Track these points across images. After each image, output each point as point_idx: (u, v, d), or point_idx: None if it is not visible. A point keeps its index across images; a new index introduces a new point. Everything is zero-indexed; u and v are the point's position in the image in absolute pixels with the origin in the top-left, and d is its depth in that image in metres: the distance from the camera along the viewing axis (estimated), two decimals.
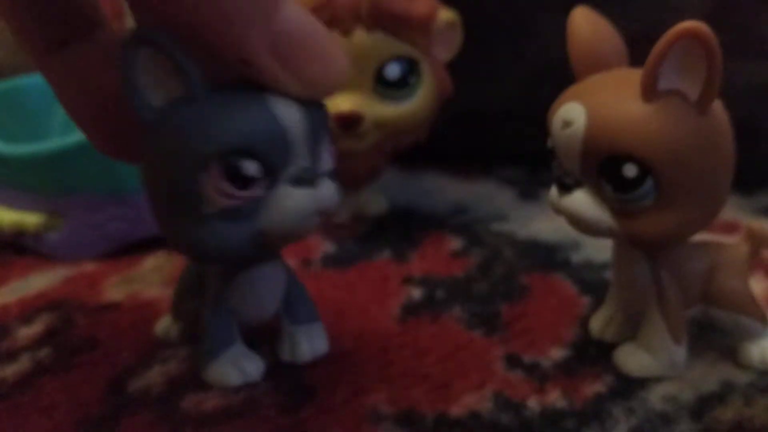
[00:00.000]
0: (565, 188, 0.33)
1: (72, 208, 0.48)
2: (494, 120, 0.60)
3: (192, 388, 0.35)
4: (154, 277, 0.46)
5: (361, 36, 0.45)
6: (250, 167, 0.28)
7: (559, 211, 0.34)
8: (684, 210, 0.32)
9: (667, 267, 0.34)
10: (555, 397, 0.34)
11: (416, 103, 0.48)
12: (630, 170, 0.31)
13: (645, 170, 0.31)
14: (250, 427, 0.32)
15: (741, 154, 0.33)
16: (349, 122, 0.46)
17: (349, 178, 0.51)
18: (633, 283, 0.35)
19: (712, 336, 0.37)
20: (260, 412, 0.33)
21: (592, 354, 0.37)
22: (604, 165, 0.31)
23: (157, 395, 0.34)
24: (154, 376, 0.36)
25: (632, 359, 0.35)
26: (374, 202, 0.54)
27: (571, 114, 0.32)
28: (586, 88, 0.33)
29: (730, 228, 0.49)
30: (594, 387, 0.35)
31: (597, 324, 0.38)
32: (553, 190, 0.34)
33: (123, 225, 0.48)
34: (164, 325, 0.39)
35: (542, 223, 0.52)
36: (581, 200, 0.32)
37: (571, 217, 0.33)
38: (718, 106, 0.32)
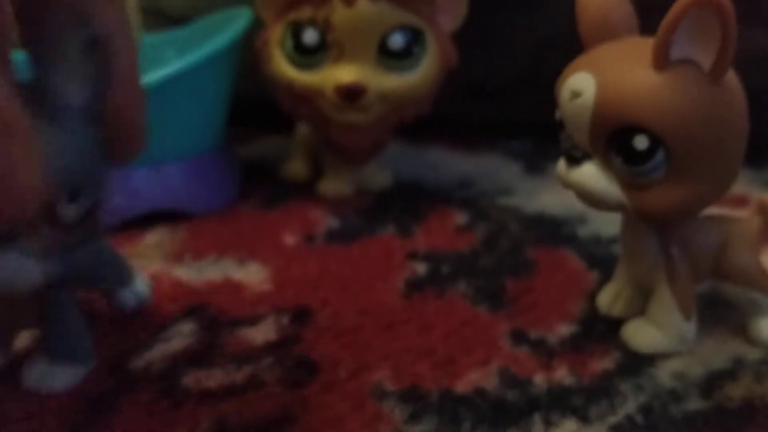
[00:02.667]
0: (574, 161, 0.32)
1: None
2: (500, 92, 0.59)
3: (194, 366, 0.34)
4: (155, 252, 0.45)
5: (364, 5, 0.45)
6: None
7: (567, 184, 0.33)
8: (696, 183, 0.31)
9: (677, 241, 0.34)
10: (562, 374, 0.34)
11: (420, 74, 0.47)
12: (641, 142, 0.30)
13: (656, 142, 0.30)
14: (253, 404, 0.32)
15: (752, 126, 0.32)
16: (353, 94, 0.45)
17: (352, 151, 0.51)
18: (642, 257, 0.35)
19: (722, 311, 0.37)
20: (263, 389, 0.33)
21: (600, 330, 0.37)
22: (614, 137, 0.31)
23: (158, 373, 0.34)
24: (155, 354, 0.35)
25: (641, 335, 0.35)
26: (378, 176, 0.54)
27: (580, 84, 0.31)
28: (596, 58, 0.32)
29: (740, 202, 0.49)
30: (602, 363, 0.34)
31: (605, 299, 0.38)
32: (561, 163, 0.33)
33: (123, 200, 0.48)
34: None
35: (549, 196, 0.51)
36: (590, 173, 0.32)
37: (579, 190, 0.32)
38: (731, 76, 0.31)
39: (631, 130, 0.30)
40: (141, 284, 0.38)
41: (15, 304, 0.32)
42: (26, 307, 0.32)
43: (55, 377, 0.33)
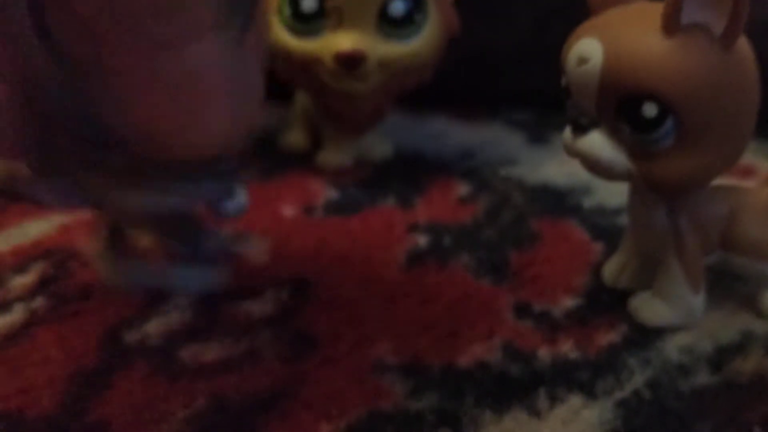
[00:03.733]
0: (580, 129, 0.31)
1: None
2: (503, 60, 0.58)
3: (191, 340, 0.34)
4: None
5: None
6: None
7: (573, 153, 0.32)
8: (705, 152, 0.30)
9: (686, 212, 0.33)
10: (567, 348, 0.33)
11: (422, 42, 0.46)
12: (650, 110, 0.29)
13: (665, 110, 0.29)
14: (251, 378, 0.32)
15: (761, 94, 0.31)
16: (352, 62, 0.44)
17: (351, 121, 0.50)
18: (649, 228, 0.34)
19: (731, 284, 0.36)
20: (261, 364, 0.32)
21: (606, 302, 0.36)
22: (623, 104, 0.30)
23: (154, 346, 0.34)
24: (151, 327, 0.35)
25: (648, 308, 0.34)
26: (378, 146, 0.53)
27: (587, 50, 0.30)
28: (604, 23, 0.31)
29: (747, 172, 0.48)
30: (608, 337, 0.34)
31: (610, 271, 0.37)
32: (567, 132, 0.32)
33: None
34: None
35: (552, 167, 0.51)
36: (597, 141, 0.31)
37: (586, 159, 0.32)
38: (743, 42, 0.30)
39: (639, 97, 0.29)
40: (242, 195, 0.38)
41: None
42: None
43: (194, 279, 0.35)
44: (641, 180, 0.31)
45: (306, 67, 0.46)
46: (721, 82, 0.29)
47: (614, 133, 0.31)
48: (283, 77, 0.49)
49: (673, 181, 0.31)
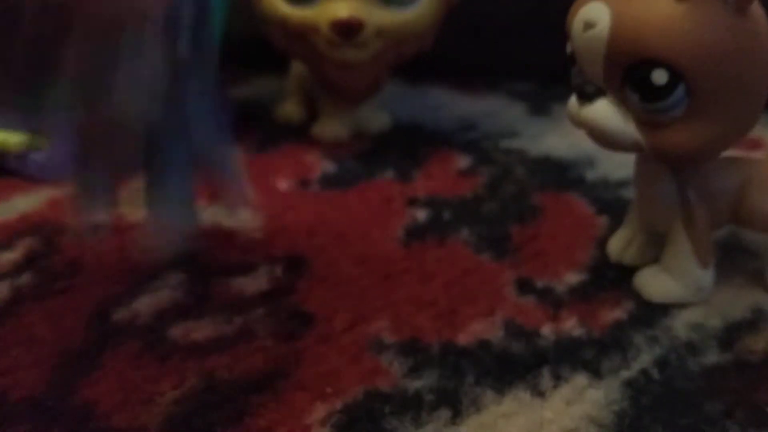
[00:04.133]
0: (586, 97, 0.30)
1: (56, 127, 0.46)
2: (504, 30, 0.57)
3: (181, 317, 0.33)
4: (140, 199, 0.43)
5: None
6: None
7: (578, 123, 0.31)
8: (717, 121, 0.29)
9: (695, 184, 0.32)
10: (571, 325, 0.32)
11: (421, 9, 0.45)
12: (660, 76, 0.28)
13: (676, 77, 0.28)
14: (244, 358, 0.31)
15: None
16: (349, 29, 0.43)
17: (348, 91, 0.49)
18: (657, 201, 0.33)
19: (740, 259, 0.35)
20: (254, 342, 0.32)
21: (611, 278, 0.35)
22: (631, 71, 0.28)
23: (144, 324, 0.33)
24: (141, 304, 0.34)
25: (655, 284, 0.33)
26: (376, 118, 0.52)
27: (594, 14, 0.29)
28: None
29: (755, 144, 0.47)
30: (613, 314, 0.33)
31: (615, 246, 0.36)
32: (572, 101, 0.31)
33: None
34: None
35: (555, 139, 0.50)
36: (604, 110, 0.30)
37: (592, 129, 0.30)
38: (756, 7, 0.29)
39: (649, 63, 0.28)
40: None
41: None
42: None
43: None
44: (649, 151, 0.30)
45: (302, 35, 0.45)
46: (734, 48, 0.28)
47: (622, 102, 0.30)
48: (279, 46, 0.48)
49: (683, 152, 0.30)
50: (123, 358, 0.31)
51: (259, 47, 0.51)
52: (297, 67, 0.53)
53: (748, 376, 0.29)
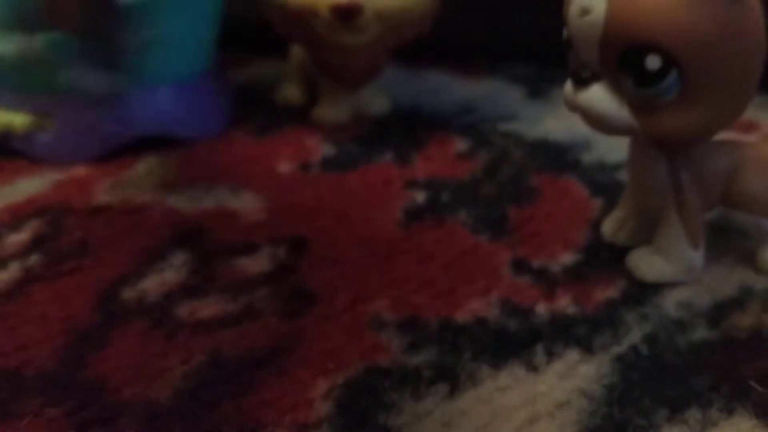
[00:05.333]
0: (582, 82, 0.31)
1: (61, 107, 0.46)
2: (502, 13, 0.57)
3: (187, 296, 0.34)
4: (146, 181, 0.44)
5: None
6: None
7: (574, 107, 0.31)
8: (710, 106, 0.30)
9: (687, 167, 0.33)
10: (565, 303, 0.33)
11: None
12: (653, 62, 0.28)
13: (669, 62, 0.28)
14: (249, 335, 0.31)
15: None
16: (348, 13, 0.43)
17: (348, 75, 0.49)
18: (650, 184, 0.34)
19: (730, 240, 0.36)
20: (259, 319, 0.32)
21: (604, 258, 0.36)
22: (625, 56, 0.29)
23: (151, 303, 0.33)
24: (148, 284, 0.34)
25: (647, 264, 0.34)
26: (375, 101, 0.52)
27: (589, 0, 0.29)
28: None
29: (748, 127, 0.47)
30: (606, 292, 0.33)
31: (609, 227, 0.37)
32: (568, 85, 0.32)
33: (113, 125, 0.46)
34: None
35: (552, 122, 0.50)
36: (599, 95, 0.30)
37: (587, 113, 0.31)
38: None
39: (642, 49, 0.28)
40: None
41: None
42: None
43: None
44: (643, 134, 0.31)
45: (301, 19, 0.45)
46: (727, 34, 0.28)
47: (616, 87, 0.30)
48: (279, 30, 0.48)
49: (676, 135, 0.30)
50: (132, 335, 0.31)
51: (259, 31, 0.51)
52: (297, 51, 0.53)
53: (734, 351, 0.30)
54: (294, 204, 0.41)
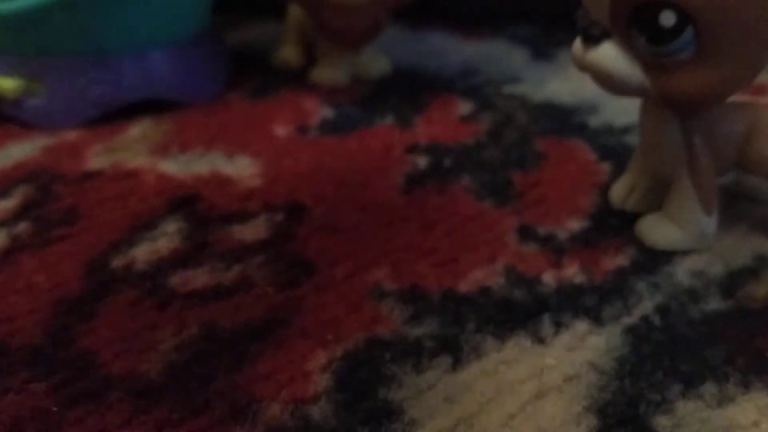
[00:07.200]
0: (592, 40, 0.29)
1: (52, 71, 0.45)
2: None
3: (180, 265, 0.33)
4: (139, 145, 0.43)
5: None
6: None
7: (583, 66, 0.30)
8: (725, 65, 0.28)
9: (701, 130, 0.31)
10: (573, 272, 0.32)
11: None
12: (667, 18, 0.27)
13: (684, 18, 0.27)
14: (243, 305, 0.30)
15: None
16: None
17: (347, 35, 0.48)
18: (661, 147, 0.33)
19: (744, 206, 0.35)
20: (254, 289, 0.31)
21: (613, 225, 0.35)
22: (638, 12, 0.28)
23: (142, 272, 0.32)
24: (139, 252, 0.33)
25: (657, 231, 0.33)
26: (376, 62, 0.51)
27: None
28: None
29: (760, 90, 0.46)
30: (615, 260, 0.32)
31: (618, 192, 0.36)
32: (577, 43, 0.30)
33: (105, 89, 0.45)
34: None
35: (558, 84, 0.49)
36: (610, 53, 0.29)
37: (597, 72, 0.30)
38: None
39: (656, 4, 0.27)
40: None
41: None
42: None
43: None
44: (656, 95, 0.29)
45: None
46: None
47: (628, 45, 0.29)
48: None
49: (690, 96, 0.29)
50: (122, 306, 0.30)
51: None
52: (295, 12, 0.52)
53: (749, 323, 0.29)
54: (291, 169, 0.40)
